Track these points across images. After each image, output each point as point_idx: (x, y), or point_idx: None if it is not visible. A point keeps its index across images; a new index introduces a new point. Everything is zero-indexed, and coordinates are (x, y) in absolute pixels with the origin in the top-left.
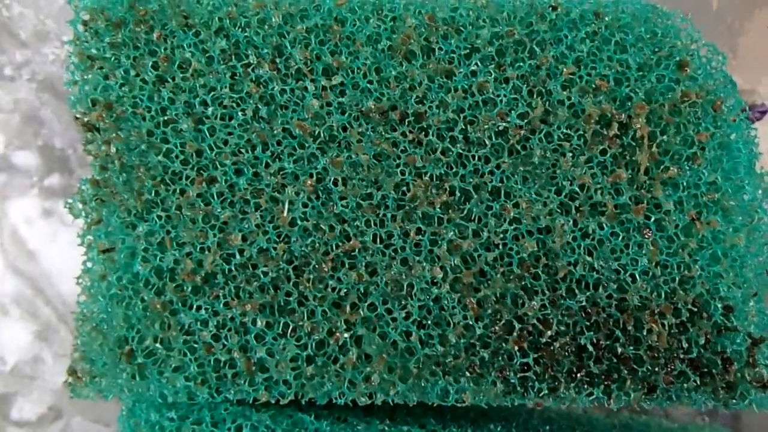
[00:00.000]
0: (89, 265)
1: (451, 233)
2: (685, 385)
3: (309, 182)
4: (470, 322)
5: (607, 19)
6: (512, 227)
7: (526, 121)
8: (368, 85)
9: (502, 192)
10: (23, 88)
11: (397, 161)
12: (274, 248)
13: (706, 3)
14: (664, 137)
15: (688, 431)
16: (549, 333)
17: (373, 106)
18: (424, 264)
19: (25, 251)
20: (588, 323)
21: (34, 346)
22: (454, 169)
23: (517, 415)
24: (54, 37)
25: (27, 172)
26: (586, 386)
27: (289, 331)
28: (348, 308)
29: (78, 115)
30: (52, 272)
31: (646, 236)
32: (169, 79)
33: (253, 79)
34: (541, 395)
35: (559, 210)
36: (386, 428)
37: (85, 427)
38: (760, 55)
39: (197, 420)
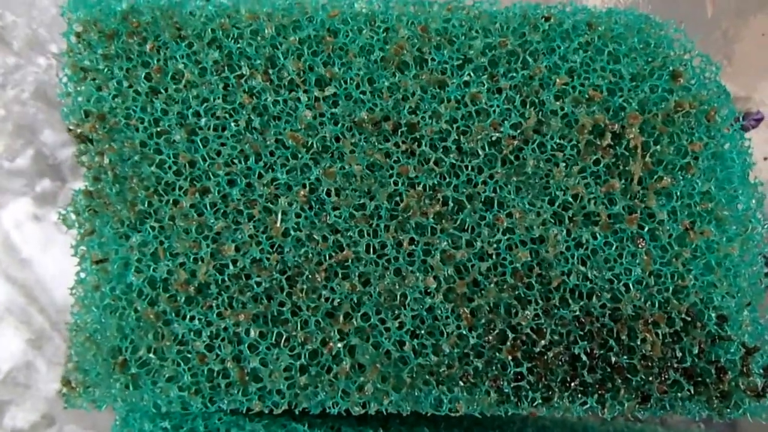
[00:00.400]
0: (83, 275)
1: (445, 243)
2: (679, 394)
3: (302, 193)
4: (464, 332)
5: (600, 29)
6: (505, 237)
7: (519, 131)
8: (361, 95)
9: (496, 202)
10: (15, 96)
11: (390, 172)
12: (268, 258)
13: (700, 10)
14: (658, 147)
15: None
16: (542, 342)
17: (366, 117)
18: (418, 274)
19: (18, 259)
20: (582, 333)
21: (28, 353)
22: (447, 180)
23: (511, 423)
24: (47, 45)
25: (19, 179)
26: (579, 395)
27: (283, 341)
28: (341, 318)
29: (71, 127)
30: (45, 280)
31: (640, 246)
32: (162, 90)
33: (246, 90)
34: (534, 405)
35: (552, 220)
36: None
37: None
38: (756, 61)
39: (191, 430)
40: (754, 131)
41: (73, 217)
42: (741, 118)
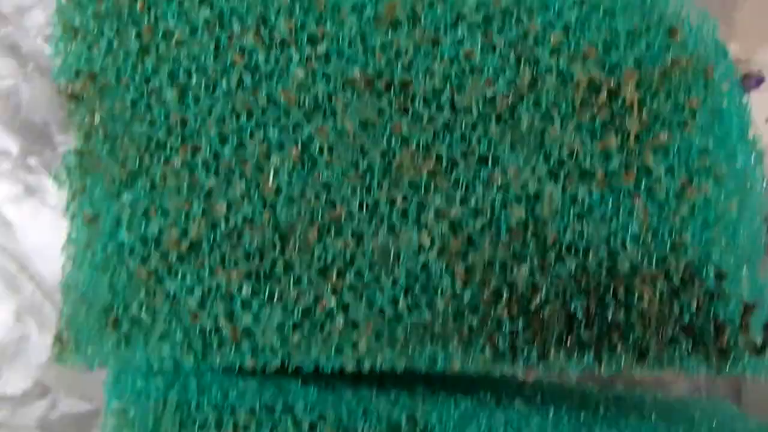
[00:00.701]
0: (73, 234)
1: (439, 201)
2: (678, 351)
3: (294, 151)
4: (458, 290)
5: None
6: (500, 194)
7: (513, 88)
8: (353, 54)
9: (490, 159)
10: (4, 63)
11: (383, 129)
12: (260, 216)
13: None
14: (655, 104)
15: (687, 404)
16: (538, 300)
17: (358, 75)
18: (411, 231)
19: (8, 228)
20: (578, 290)
21: (19, 322)
22: (441, 137)
23: (508, 385)
24: (35, 10)
25: (7, 148)
26: (576, 352)
27: (275, 298)
28: (334, 276)
29: (62, 87)
30: (37, 248)
31: (637, 203)
32: (153, 50)
33: (238, 48)
34: (530, 362)
35: (547, 177)
36: (374, 394)
37: (71, 404)
38: (757, 23)
39: (183, 388)
40: (755, 92)
41: (64, 176)
42: (741, 80)
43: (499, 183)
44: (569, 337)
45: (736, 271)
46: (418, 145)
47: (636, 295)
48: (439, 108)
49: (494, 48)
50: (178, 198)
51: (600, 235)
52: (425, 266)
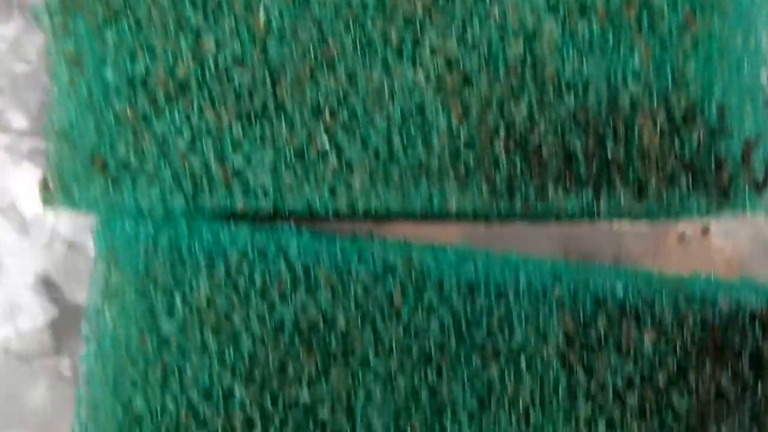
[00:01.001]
0: (57, 75)
1: (434, 37)
2: (678, 188)
3: None
4: (454, 128)
5: None
6: (498, 30)
7: None
8: None
9: None
10: None
11: None
12: (250, 55)
13: None
14: None
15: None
16: (536, 138)
17: None
18: (406, 68)
19: None
20: (577, 127)
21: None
22: None
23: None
24: None
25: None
26: (574, 190)
27: (267, 138)
28: (327, 115)
29: None
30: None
31: (638, 37)
32: None
33: None
34: (528, 200)
35: (546, 12)
36: (369, 239)
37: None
38: None
39: (174, 231)
40: None
41: (47, 16)
42: None
43: (497, 18)
44: (568, 175)
45: (738, 106)
46: None
47: (636, 131)
48: None
49: None
50: (164, 36)
51: (600, 71)
52: (420, 104)
